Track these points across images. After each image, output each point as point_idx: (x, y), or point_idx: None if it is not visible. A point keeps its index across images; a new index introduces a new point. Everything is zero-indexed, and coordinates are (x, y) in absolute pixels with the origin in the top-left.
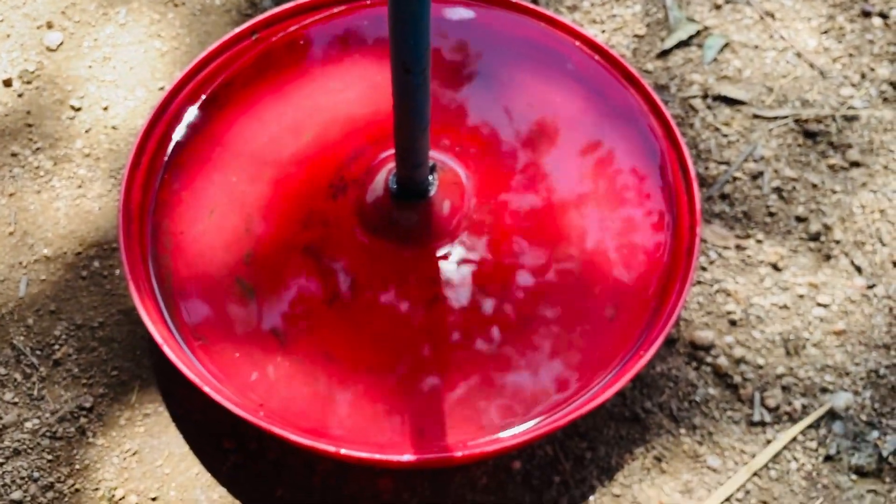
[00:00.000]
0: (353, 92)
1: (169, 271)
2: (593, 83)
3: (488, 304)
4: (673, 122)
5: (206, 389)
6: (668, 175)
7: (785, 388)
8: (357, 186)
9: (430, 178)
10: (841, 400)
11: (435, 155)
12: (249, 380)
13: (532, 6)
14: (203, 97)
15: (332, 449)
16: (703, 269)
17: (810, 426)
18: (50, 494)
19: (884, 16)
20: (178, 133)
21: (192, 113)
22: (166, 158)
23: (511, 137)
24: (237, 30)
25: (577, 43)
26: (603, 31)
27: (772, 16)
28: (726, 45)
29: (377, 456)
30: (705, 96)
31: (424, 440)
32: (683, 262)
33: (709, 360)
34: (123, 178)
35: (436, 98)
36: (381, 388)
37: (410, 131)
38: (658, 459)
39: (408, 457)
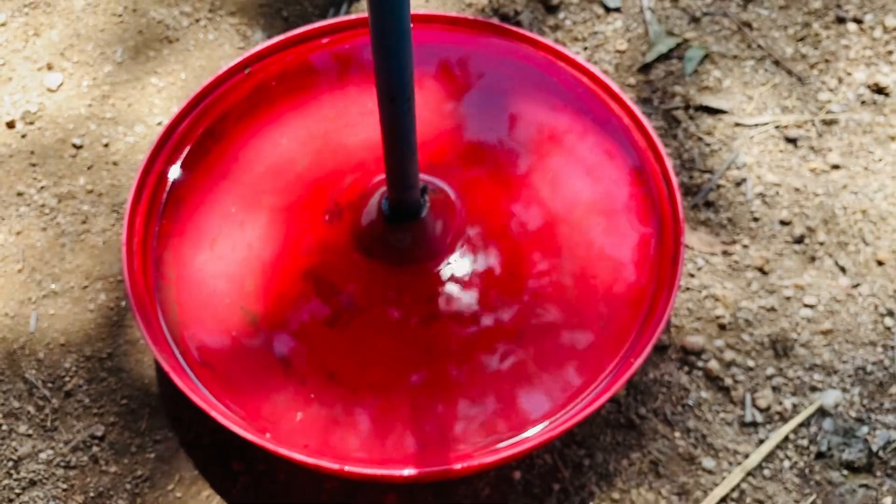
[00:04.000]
0: (344, 119)
1: (173, 302)
2: (577, 101)
3: (483, 319)
4: (655, 136)
5: (215, 415)
6: (653, 188)
7: (775, 389)
8: (352, 211)
9: (422, 199)
10: (830, 398)
11: (425, 177)
12: (256, 404)
13: (516, 29)
14: (200, 131)
15: (336, 466)
16: (692, 275)
17: (801, 424)
18: None
19: (858, 21)
20: (177, 167)
21: (189, 147)
22: (166, 192)
23: (499, 156)
24: (230, 64)
25: (561, 63)
26: (585, 49)
27: (749, 26)
28: (706, 56)
29: (381, 471)
30: (687, 107)
31: (426, 454)
32: (669, 270)
33: (700, 364)
34: (125, 213)
35: (424, 121)
36: (384, 405)
37: (399, 156)
38: (654, 463)
39: (410, 471)
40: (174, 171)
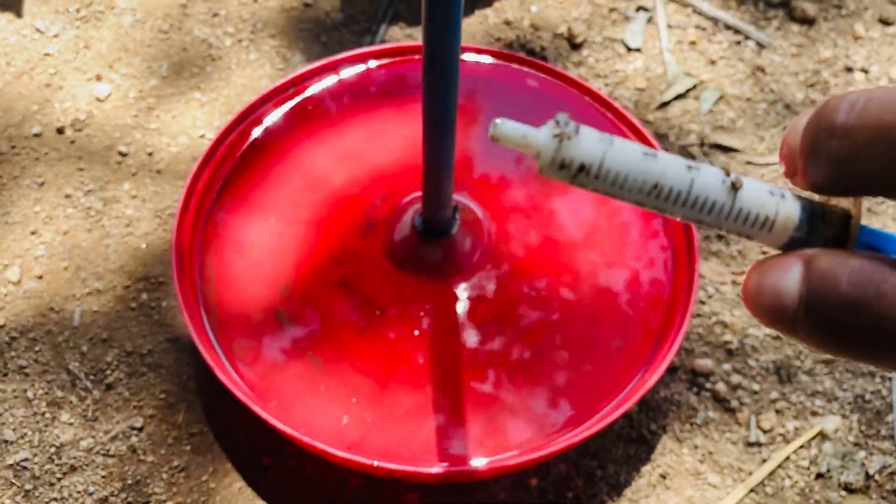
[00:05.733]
0: (379, 140)
1: (214, 302)
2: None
3: (506, 333)
4: None
5: (256, 408)
6: (669, 219)
7: (778, 412)
8: (386, 226)
9: (453, 217)
10: (830, 423)
11: (456, 197)
12: (289, 401)
13: (543, 63)
14: (245, 145)
15: (367, 462)
16: (702, 302)
17: (802, 447)
18: None
19: (865, 71)
20: (223, 177)
21: (234, 159)
22: (212, 201)
23: (523, 181)
24: (276, 84)
25: (585, 97)
26: (606, 85)
27: (762, 70)
28: (721, 97)
29: (409, 468)
30: (702, 144)
31: (450, 456)
32: (683, 296)
33: (708, 385)
34: (175, 218)
35: (458, 146)
36: (409, 409)
37: (437, 176)
38: (663, 477)
39: (436, 469)
40: (220, 181)
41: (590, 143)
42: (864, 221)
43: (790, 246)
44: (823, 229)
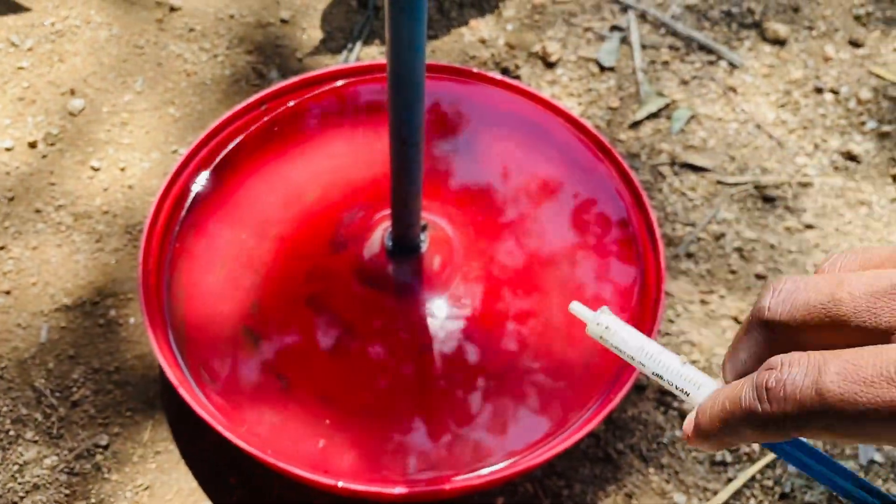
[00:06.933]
0: (350, 158)
1: (182, 320)
2: (570, 153)
3: (474, 352)
4: (641, 189)
5: (220, 429)
6: (638, 238)
7: None
8: (355, 243)
9: (422, 236)
10: None
11: (426, 215)
12: (255, 420)
13: (515, 83)
14: (215, 161)
15: (331, 482)
16: (671, 321)
17: (767, 466)
18: None
19: (834, 92)
20: (192, 194)
21: (205, 176)
22: (181, 217)
23: (494, 200)
24: (248, 101)
25: (556, 116)
26: (580, 104)
27: (734, 91)
28: (692, 117)
29: (373, 488)
30: (673, 164)
31: (415, 476)
32: (650, 314)
33: (675, 404)
34: (143, 235)
35: (428, 164)
36: (376, 428)
37: (405, 195)
38: (629, 496)
39: (401, 490)
40: (189, 198)
41: (618, 334)
42: (832, 241)
43: None
44: None
